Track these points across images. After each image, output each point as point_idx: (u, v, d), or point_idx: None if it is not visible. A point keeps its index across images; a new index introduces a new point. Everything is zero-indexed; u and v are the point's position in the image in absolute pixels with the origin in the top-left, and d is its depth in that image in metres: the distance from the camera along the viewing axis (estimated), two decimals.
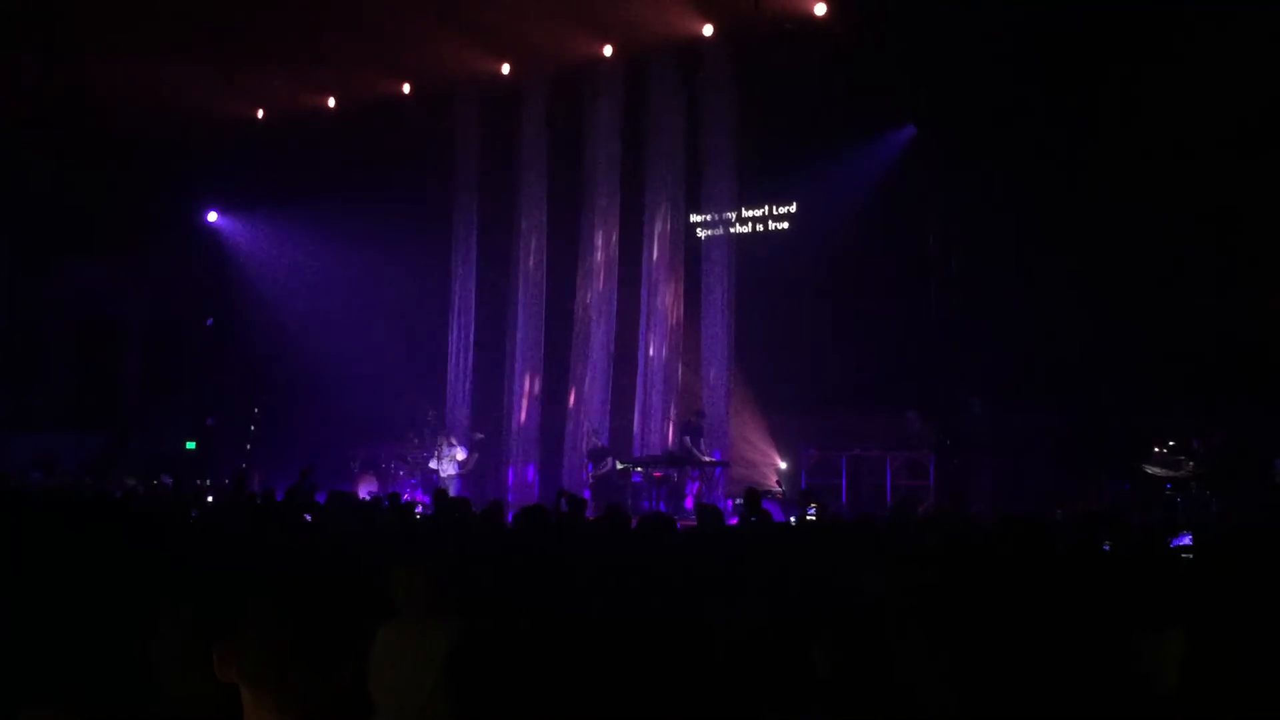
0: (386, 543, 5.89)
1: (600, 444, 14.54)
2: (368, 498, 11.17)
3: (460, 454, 15.10)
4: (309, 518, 7.82)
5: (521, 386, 15.86)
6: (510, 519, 7.24)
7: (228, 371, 17.23)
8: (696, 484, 13.80)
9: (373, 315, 16.36)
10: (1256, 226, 11.17)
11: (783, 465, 14.10)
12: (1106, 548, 4.82)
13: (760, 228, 14.90)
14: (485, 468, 15.53)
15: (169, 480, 13.76)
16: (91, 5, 12.79)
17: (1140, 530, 5.43)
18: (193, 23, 13.12)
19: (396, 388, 16.02)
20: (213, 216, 18.44)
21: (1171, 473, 10.92)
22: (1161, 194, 11.10)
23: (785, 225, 14.78)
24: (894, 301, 12.98)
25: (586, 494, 12.72)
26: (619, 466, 14.05)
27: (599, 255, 15.51)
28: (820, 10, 13.15)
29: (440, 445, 14.91)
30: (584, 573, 4.40)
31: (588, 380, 15.29)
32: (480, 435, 15.62)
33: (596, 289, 15.50)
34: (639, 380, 14.96)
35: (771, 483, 13.51)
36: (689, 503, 13.21)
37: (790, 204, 14.78)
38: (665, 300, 14.99)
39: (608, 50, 14.88)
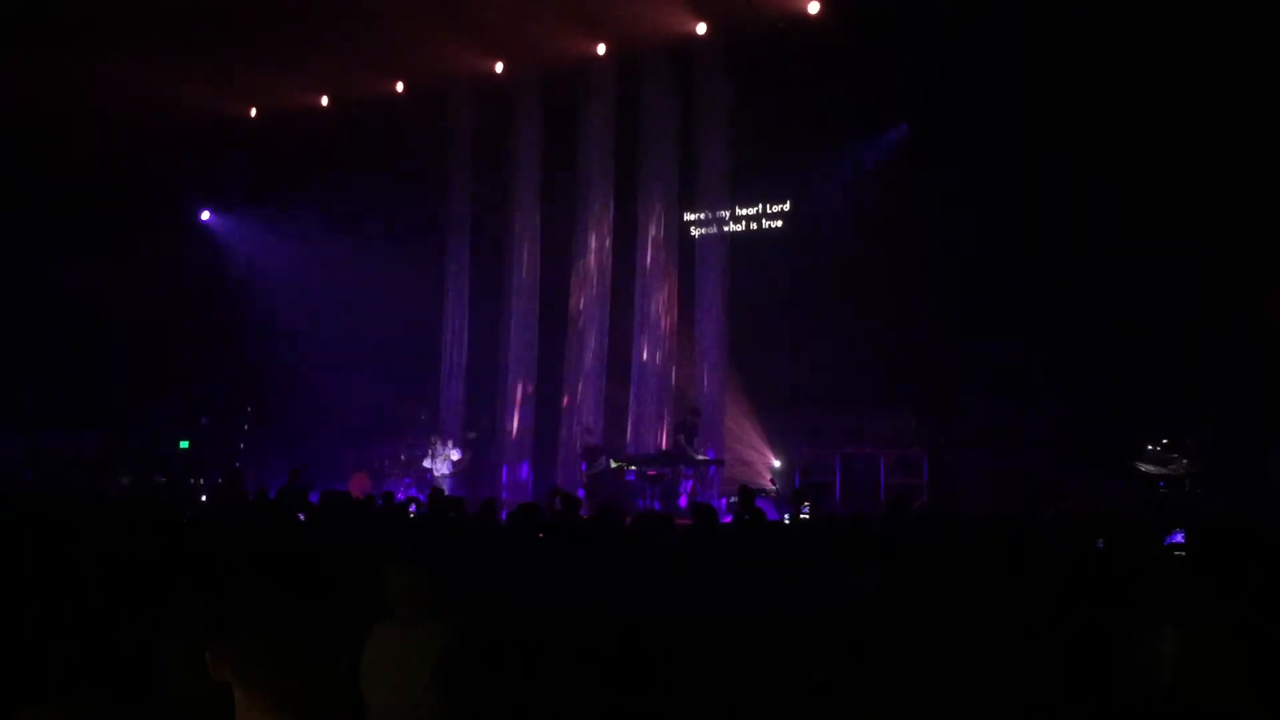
0: (379, 542, 5.88)
1: (594, 442, 14.54)
2: (361, 497, 11.13)
3: (455, 454, 15.09)
4: (302, 517, 7.79)
5: (515, 385, 15.85)
6: (504, 517, 7.23)
7: (221, 370, 17.18)
8: (691, 482, 13.79)
9: (366, 313, 16.31)
10: (1250, 225, 11.20)
11: (777, 463, 14.11)
12: (1100, 545, 4.83)
13: (754, 226, 14.93)
14: (479, 467, 15.52)
15: (162, 479, 13.73)
16: (84, 4, 12.74)
17: (1133, 527, 5.44)
18: (185, 21, 13.08)
19: (390, 387, 16.00)
20: (206, 215, 18.42)
21: (1165, 470, 10.95)
22: (1155, 192, 11.13)
23: (779, 223, 14.81)
24: (887, 299, 13.03)
25: (580, 493, 12.70)
26: (613, 465, 14.04)
27: (593, 253, 15.52)
28: (813, 8, 13.24)
29: (434, 444, 14.91)
30: (578, 571, 4.40)
31: (581, 378, 15.29)
32: (473, 434, 15.60)
33: (590, 286, 15.51)
34: (633, 378, 14.98)
35: (765, 481, 13.53)
36: (683, 501, 13.21)
37: (784, 202, 14.81)
38: (659, 298, 15.01)
39: (601, 49, 14.92)
